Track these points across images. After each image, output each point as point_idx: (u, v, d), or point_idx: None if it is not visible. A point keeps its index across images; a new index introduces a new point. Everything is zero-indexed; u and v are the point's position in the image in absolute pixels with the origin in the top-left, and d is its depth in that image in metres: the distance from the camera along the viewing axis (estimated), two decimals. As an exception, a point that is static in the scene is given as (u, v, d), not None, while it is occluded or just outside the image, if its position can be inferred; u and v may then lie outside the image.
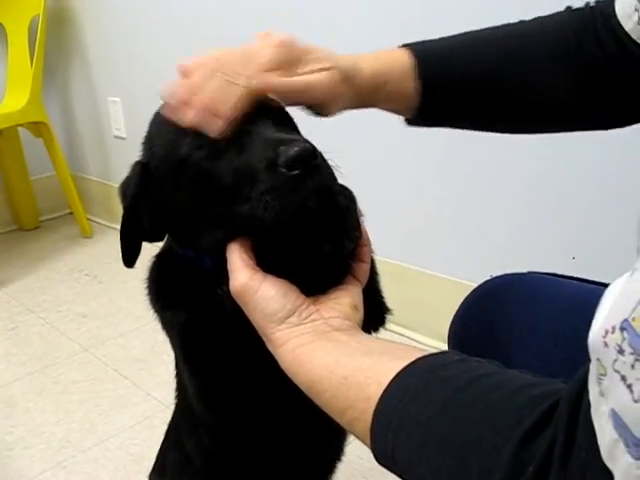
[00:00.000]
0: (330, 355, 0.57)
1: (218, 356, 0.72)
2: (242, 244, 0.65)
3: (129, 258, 0.73)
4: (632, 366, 0.31)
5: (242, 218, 0.64)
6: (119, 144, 2.50)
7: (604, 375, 0.34)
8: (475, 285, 0.85)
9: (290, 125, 0.72)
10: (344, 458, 1.31)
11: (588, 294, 0.76)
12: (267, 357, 0.64)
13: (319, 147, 0.64)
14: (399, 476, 0.52)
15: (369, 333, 0.76)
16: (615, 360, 0.32)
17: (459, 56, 0.77)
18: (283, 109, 0.72)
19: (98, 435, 1.51)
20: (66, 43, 2.64)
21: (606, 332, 0.33)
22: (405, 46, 0.76)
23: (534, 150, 1.44)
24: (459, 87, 0.76)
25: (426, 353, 0.53)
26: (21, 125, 2.50)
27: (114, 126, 2.55)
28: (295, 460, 0.83)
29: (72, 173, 2.64)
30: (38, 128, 2.48)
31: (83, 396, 1.66)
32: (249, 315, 0.63)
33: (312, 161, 0.61)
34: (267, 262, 0.65)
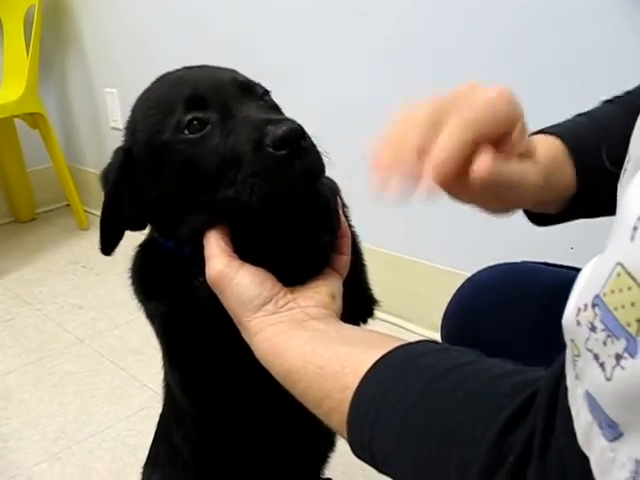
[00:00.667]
0: (306, 344, 0.56)
1: (197, 347, 0.71)
2: (220, 232, 0.64)
3: (107, 246, 0.71)
4: (604, 343, 0.30)
5: (226, 203, 0.62)
6: (116, 135, 2.46)
7: (578, 356, 0.33)
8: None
9: (275, 108, 0.71)
10: (342, 448, 1.30)
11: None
12: (246, 348, 0.63)
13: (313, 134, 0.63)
14: (377, 469, 0.50)
15: (357, 325, 0.75)
16: (587, 339, 0.31)
17: (596, 138, 0.68)
18: (267, 92, 0.71)
19: (94, 426, 1.51)
20: (62, 34, 2.63)
21: (579, 310, 0.32)
22: (543, 132, 0.68)
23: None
24: (605, 169, 0.66)
25: (404, 342, 0.52)
26: (17, 116, 2.48)
27: (111, 117, 2.53)
28: (283, 451, 0.82)
29: (69, 165, 2.63)
30: (34, 119, 2.47)
31: (79, 387, 1.65)
32: (225, 303, 0.62)
33: (301, 141, 0.59)
34: (245, 251, 0.63)
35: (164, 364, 0.83)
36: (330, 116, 1.77)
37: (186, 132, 0.64)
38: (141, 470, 1.04)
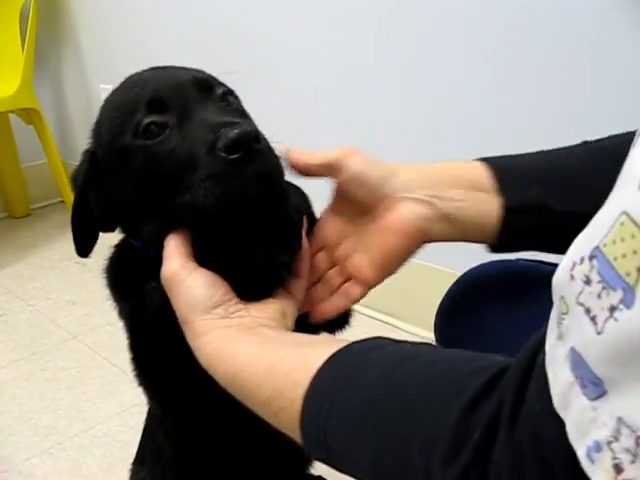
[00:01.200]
0: (256, 347, 0.55)
1: (154, 353, 0.71)
2: (182, 236, 0.64)
3: (82, 248, 0.72)
4: (598, 295, 0.30)
5: (184, 208, 0.62)
6: (111, 132, 2.48)
7: (566, 314, 0.32)
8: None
9: (237, 109, 0.70)
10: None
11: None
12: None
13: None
14: (335, 467, 0.49)
15: (332, 334, 0.75)
16: (580, 292, 0.31)
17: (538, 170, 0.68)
18: (230, 91, 0.70)
19: (85, 422, 1.50)
20: (58, 29, 2.62)
21: (573, 264, 0.32)
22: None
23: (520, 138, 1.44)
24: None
25: (359, 340, 0.51)
26: (12, 112, 2.48)
27: (106, 114, 2.53)
28: (262, 448, 0.82)
29: (63, 161, 2.62)
30: (29, 115, 2.46)
31: (71, 383, 1.65)
32: (174, 303, 0.61)
33: (254, 144, 0.59)
34: (203, 260, 0.63)
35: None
36: (323, 111, 1.77)
37: (144, 137, 0.64)
38: (130, 467, 1.05)
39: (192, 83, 0.67)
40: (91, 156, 0.70)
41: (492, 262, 0.81)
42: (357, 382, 0.46)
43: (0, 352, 1.79)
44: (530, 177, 0.67)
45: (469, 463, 0.37)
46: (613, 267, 0.29)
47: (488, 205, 0.65)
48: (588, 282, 0.31)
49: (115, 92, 0.72)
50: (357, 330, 0.75)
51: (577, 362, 0.31)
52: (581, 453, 0.31)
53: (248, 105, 0.76)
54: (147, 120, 0.64)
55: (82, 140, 2.68)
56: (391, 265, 0.66)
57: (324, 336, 0.58)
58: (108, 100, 0.72)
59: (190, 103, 0.64)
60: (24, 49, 2.37)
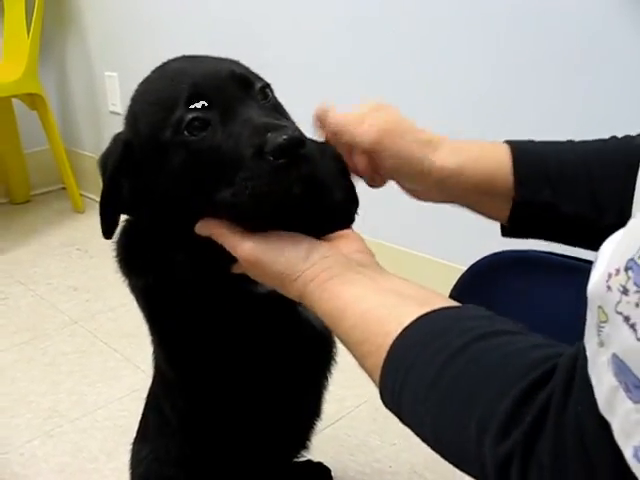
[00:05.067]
0: (358, 288, 0.59)
1: (178, 320, 0.74)
2: (213, 220, 0.66)
3: (109, 230, 0.73)
4: (637, 304, 0.31)
5: (222, 203, 0.64)
6: (114, 119, 2.47)
7: (605, 322, 0.34)
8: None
9: (275, 104, 0.71)
10: (332, 433, 1.31)
11: (583, 273, 0.75)
12: (229, 319, 0.67)
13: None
14: (402, 421, 0.52)
15: None
16: (618, 302, 0.32)
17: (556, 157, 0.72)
18: (267, 85, 0.71)
19: (86, 406, 1.51)
20: (64, 15, 2.62)
21: (609, 276, 0.33)
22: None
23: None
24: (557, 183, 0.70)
25: (453, 304, 0.54)
26: (16, 96, 2.47)
27: (110, 101, 2.53)
28: (269, 419, 0.84)
29: (66, 148, 2.62)
30: (33, 100, 2.46)
31: (72, 368, 1.66)
32: (266, 275, 0.64)
33: (300, 150, 0.61)
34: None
35: (152, 339, 0.85)
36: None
37: (186, 133, 0.64)
38: (131, 447, 1.05)
39: (231, 78, 0.67)
40: (125, 145, 0.70)
41: (504, 251, 0.82)
42: (442, 344, 0.48)
43: (1, 335, 1.80)
44: (546, 175, 0.70)
45: (516, 443, 0.39)
46: None
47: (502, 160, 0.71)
48: (625, 292, 0.32)
49: (149, 82, 0.71)
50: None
51: (620, 367, 0.33)
52: (628, 454, 0.33)
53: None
54: (190, 116, 0.64)
55: (85, 127, 2.67)
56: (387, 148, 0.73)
57: (418, 288, 0.59)
58: (142, 90, 0.71)
59: (231, 100, 0.65)
60: (29, 34, 2.37)
